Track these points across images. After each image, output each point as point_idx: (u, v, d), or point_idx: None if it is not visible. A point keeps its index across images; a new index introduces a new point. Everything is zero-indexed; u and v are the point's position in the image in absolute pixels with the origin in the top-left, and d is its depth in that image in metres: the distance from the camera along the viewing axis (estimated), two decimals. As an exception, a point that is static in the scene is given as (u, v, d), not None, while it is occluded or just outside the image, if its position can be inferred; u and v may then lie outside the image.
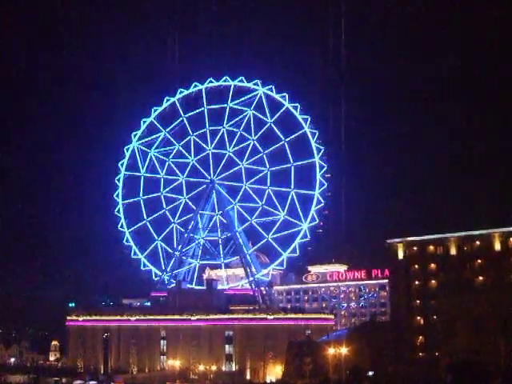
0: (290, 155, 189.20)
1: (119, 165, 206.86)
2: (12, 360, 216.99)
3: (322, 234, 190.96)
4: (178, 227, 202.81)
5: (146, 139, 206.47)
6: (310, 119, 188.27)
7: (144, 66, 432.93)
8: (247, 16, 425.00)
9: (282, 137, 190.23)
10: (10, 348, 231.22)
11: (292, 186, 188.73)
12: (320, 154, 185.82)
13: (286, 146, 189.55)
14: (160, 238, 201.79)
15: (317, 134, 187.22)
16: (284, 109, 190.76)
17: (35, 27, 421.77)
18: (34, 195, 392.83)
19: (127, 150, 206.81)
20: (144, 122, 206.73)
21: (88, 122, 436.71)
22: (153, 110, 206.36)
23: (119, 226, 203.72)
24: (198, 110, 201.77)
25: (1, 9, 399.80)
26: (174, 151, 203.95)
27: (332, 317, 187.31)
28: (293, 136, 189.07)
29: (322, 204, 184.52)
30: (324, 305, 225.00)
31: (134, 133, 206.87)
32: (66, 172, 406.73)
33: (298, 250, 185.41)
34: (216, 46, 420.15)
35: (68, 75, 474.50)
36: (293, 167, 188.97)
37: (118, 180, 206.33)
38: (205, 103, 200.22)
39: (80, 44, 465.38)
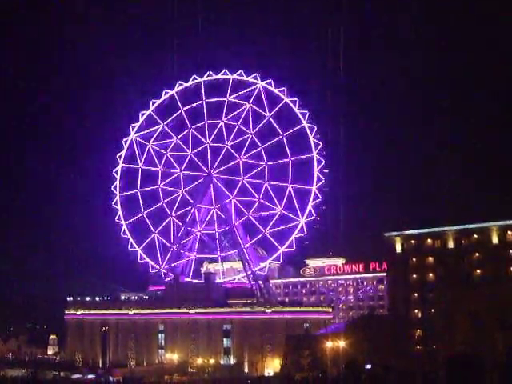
0: (287, 150, 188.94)
1: (117, 157, 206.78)
2: (10, 354, 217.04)
3: (318, 229, 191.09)
4: (176, 220, 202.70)
5: (144, 132, 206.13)
6: (308, 114, 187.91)
7: (143, 58, 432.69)
8: (247, 9, 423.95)
9: (280, 131, 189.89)
10: (8, 342, 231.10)
11: (289, 181, 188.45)
12: (318, 148, 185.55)
13: (284, 140, 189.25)
14: (157, 231, 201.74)
15: (315, 128, 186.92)
16: (282, 103, 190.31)
17: (34, 19, 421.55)
18: (32, 187, 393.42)
19: (125, 142, 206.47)
20: (142, 114, 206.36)
21: (87, 114, 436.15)
22: (151, 103, 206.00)
23: (116, 218, 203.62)
24: (196, 103, 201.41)
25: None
26: (172, 144, 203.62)
27: (330, 310, 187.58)
28: (291, 130, 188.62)
29: (320, 199, 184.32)
30: (322, 298, 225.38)
31: (133, 125, 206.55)
32: (64, 164, 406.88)
33: (294, 245, 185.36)
34: (215, 40, 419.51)
35: (67, 67, 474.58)
36: (290, 162, 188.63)
37: (116, 172, 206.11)
38: (203, 96, 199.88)
39: (79, 37, 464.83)
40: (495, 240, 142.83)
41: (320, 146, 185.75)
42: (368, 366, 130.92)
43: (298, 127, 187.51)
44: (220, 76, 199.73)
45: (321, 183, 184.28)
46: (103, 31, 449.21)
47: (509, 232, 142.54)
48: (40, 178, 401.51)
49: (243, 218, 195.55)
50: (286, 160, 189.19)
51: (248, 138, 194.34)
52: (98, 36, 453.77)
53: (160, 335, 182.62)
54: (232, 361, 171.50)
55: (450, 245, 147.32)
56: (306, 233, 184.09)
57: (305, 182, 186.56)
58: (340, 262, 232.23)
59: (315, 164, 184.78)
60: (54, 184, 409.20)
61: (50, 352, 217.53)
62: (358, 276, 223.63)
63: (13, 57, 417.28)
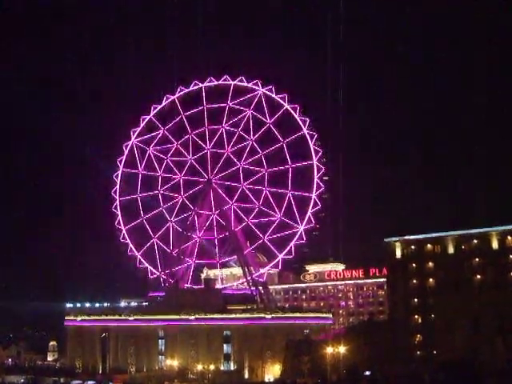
0: (288, 157, 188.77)
1: (117, 161, 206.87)
2: (10, 360, 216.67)
3: (317, 236, 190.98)
4: (175, 226, 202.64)
5: (145, 136, 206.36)
6: (309, 121, 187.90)
7: (144, 63, 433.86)
8: (248, 15, 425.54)
9: (280, 138, 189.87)
10: (8, 348, 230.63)
11: (289, 188, 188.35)
12: (318, 156, 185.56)
13: (285, 147, 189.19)
14: (156, 236, 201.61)
15: (315, 136, 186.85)
16: (283, 110, 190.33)
17: (34, 22, 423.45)
18: (32, 193, 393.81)
19: (126, 146, 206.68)
20: (143, 119, 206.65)
21: (88, 119, 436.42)
22: (152, 108, 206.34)
23: (116, 223, 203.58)
24: (197, 109, 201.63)
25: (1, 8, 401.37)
26: (173, 149, 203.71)
27: (330, 316, 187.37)
28: (291, 137, 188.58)
29: (319, 207, 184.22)
30: (322, 304, 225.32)
31: (133, 129, 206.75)
32: (64, 169, 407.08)
33: (293, 252, 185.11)
34: (216, 45, 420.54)
35: (68, 71, 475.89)
36: (290, 169, 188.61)
37: (116, 177, 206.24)
38: (204, 102, 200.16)
39: (79, 40, 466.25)
40: (495, 245, 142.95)
41: (320, 154, 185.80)
42: (367, 373, 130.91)
43: (299, 134, 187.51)
44: (221, 82, 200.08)
45: (320, 190, 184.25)
46: (103, 33, 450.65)
47: (509, 237, 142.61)
48: (39, 181, 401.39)
49: (243, 224, 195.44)
50: (286, 167, 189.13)
51: (248, 144, 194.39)
52: (98, 39, 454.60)
53: (160, 341, 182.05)
54: (232, 367, 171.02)
55: (450, 250, 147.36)
56: (305, 240, 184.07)
57: (304, 189, 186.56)
58: (340, 267, 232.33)
59: (315, 171, 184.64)
60: (53, 188, 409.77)
61: (49, 358, 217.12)
62: (357, 281, 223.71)
63: (12, 60, 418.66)
